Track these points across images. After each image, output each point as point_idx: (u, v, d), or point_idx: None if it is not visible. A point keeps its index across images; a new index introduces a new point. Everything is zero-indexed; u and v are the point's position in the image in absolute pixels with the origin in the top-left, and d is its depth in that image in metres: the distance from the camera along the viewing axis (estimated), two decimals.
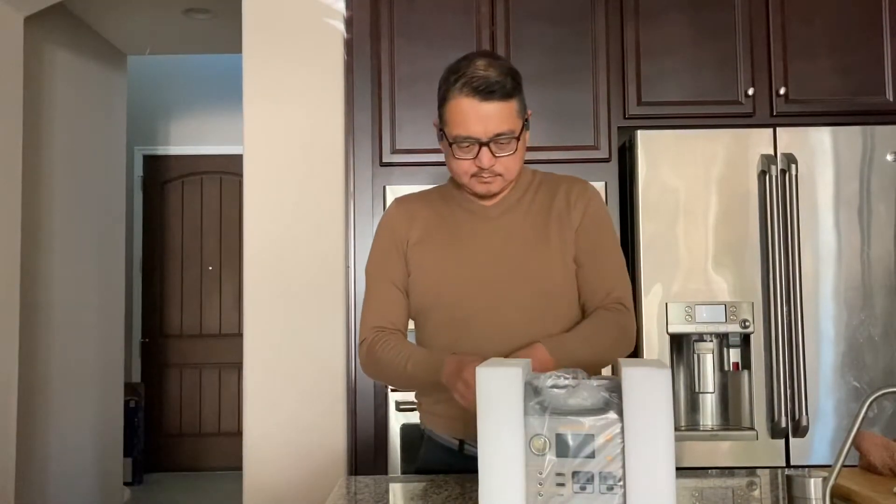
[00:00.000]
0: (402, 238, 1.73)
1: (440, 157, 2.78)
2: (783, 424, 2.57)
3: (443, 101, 1.64)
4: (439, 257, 1.70)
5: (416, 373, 1.63)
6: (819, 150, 2.67)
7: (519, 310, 1.64)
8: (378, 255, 1.76)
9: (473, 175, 1.63)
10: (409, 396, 2.52)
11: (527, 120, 1.66)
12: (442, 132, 1.67)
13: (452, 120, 1.61)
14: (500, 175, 1.64)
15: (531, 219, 1.70)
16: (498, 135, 1.59)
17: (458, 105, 1.59)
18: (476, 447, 1.65)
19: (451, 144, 1.62)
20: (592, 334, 1.64)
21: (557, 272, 1.67)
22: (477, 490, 1.20)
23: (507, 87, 1.60)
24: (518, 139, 1.63)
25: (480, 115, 1.58)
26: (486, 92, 1.57)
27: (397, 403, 2.68)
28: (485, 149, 1.59)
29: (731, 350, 2.62)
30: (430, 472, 1.69)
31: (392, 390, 2.70)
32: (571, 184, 1.74)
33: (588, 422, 1.15)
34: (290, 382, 2.90)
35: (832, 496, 1.25)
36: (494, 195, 1.70)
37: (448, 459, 1.69)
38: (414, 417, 1.91)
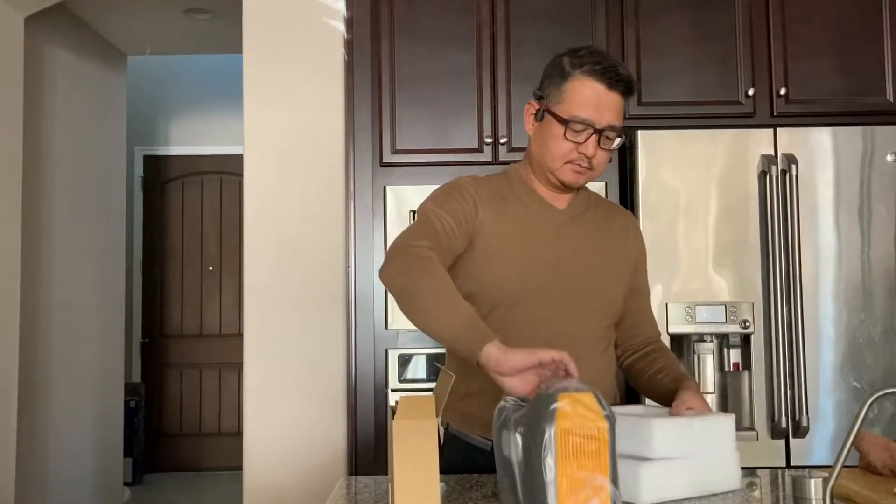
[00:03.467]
0: (475, 207, 1.64)
1: (440, 158, 2.80)
2: (783, 425, 2.57)
3: (562, 78, 1.62)
4: (513, 249, 1.64)
5: (458, 321, 1.41)
6: (819, 151, 2.67)
7: (572, 322, 1.65)
8: (446, 200, 1.63)
9: (569, 161, 1.62)
10: None
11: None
12: (545, 112, 1.63)
13: (573, 99, 1.60)
14: (592, 169, 1.64)
15: (599, 235, 1.74)
16: (611, 126, 1.61)
17: (584, 86, 1.59)
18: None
19: (562, 122, 1.60)
20: (681, 369, 1.77)
21: (614, 293, 1.73)
22: (479, 488, 1.20)
23: (630, 81, 1.63)
24: (621, 136, 1.65)
25: (603, 102, 1.59)
26: (614, 80, 1.59)
27: (397, 403, 2.68)
28: (594, 136, 1.60)
29: (732, 350, 2.62)
30: (453, 472, 1.62)
31: (392, 391, 2.70)
32: (628, 218, 1.84)
33: None
34: (290, 382, 2.90)
35: (832, 496, 1.24)
36: (573, 190, 1.71)
37: (477, 460, 1.64)
38: None
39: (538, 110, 1.66)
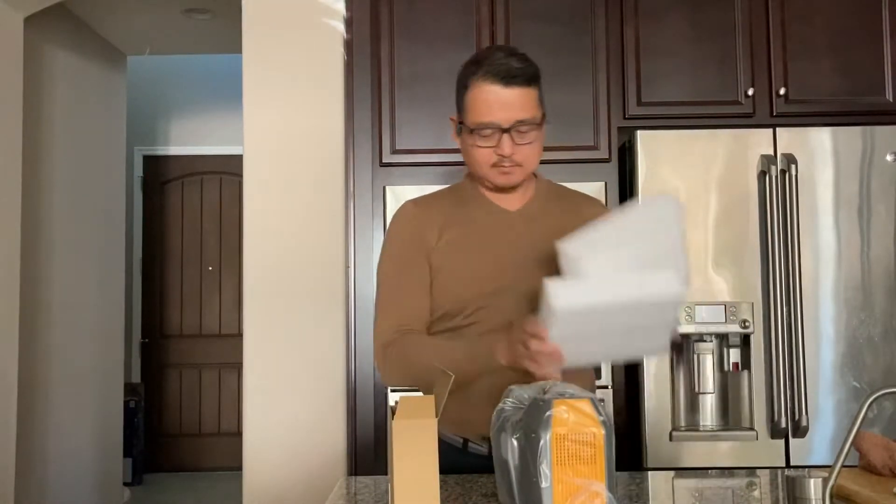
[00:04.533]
0: (425, 238, 1.69)
1: (440, 157, 2.80)
2: (783, 425, 2.57)
3: (463, 90, 1.64)
4: (468, 262, 1.67)
5: (462, 361, 1.54)
6: (819, 151, 2.67)
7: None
8: (399, 255, 1.71)
9: (494, 165, 1.63)
10: None
11: (544, 115, 1.67)
12: (461, 125, 1.67)
13: (474, 107, 1.61)
14: (519, 165, 1.64)
15: (552, 232, 1.68)
16: (519, 122, 1.60)
17: (481, 92, 1.60)
18: (481, 445, 1.66)
19: (472, 132, 1.62)
20: None
21: None
22: (479, 489, 1.20)
23: (528, 72, 1.61)
24: (539, 128, 1.63)
25: (502, 101, 1.59)
26: (508, 77, 1.59)
27: (397, 403, 2.68)
28: (506, 136, 1.60)
29: (731, 350, 2.62)
30: None
31: (392, 390, 2.70)
32: (591, 204, 1.77)
33: None
34: (290, 382, 2.90)
35: (832, 496, 1.24)
36: (514, 188, 1.69)
37: (452, 457, 1.67)
38: None
39: (457, 124, 1.69)
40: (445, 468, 1.65)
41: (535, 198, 1.73)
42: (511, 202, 1.71)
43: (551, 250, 1.65)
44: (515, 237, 1.68)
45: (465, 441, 1.69)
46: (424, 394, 1.54)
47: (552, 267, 1.63)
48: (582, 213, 1.70)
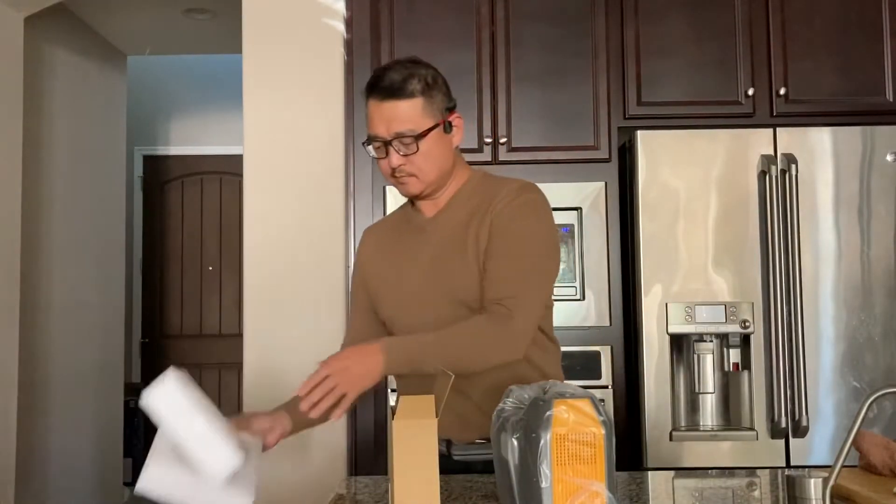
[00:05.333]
0: (363, 265, 1.84)
1: None
2: (783, 424, 2.57)
3: (365, 106, 1.69)
4: (383, 274, 1.77)
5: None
6: (819, 151, 2.67)
7: (439, 322, 1.60)
8: (352, 287, 1.89)
9: (392, 176, 1.67)
10: None
11: (448, 122, 1.66)
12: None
13: (367, 122, 1.67)
14: (414, 175, 1.65)
15: (453, 232, 1.69)
16: (397, 134, 1.62)
17: (369, 107, 1.65)
18: (463, 449, 1.67)
19: (370, 145, 1.67)
20: (446, 337, 1.56)
21: (473, 279, 1.63)
22: (479, 489, 1.20)
23: (407, 87, 1.62)
24: (422, 138, 1.62)
25: (382, 115, 1.63)
26: (385, 91, 1.62)
27: (397, 403, 2.68)
28: (390, 148, 1.63)
29: (731, 350, 2.62)
30: None
31: (392, 391, 2.70)
32: (497, 190, 1.68)
33: None
34: (290, 382, 2.89)
35: (832, 496, 1.24)
36: (427, 196, 1.71)
37: None
38: None
39: None
40: None
41: (450, 202, 1.73)
42: (430, 208, 1.75)
43: (446, 254, 1.68)
44: (421, 242, 1.73)
45: (449, 444, 1.68)
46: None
47: (449, 269, 1.66)
48: (493, 203, 1.66)
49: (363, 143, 1.70)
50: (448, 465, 1.64)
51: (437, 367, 1.39)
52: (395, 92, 1.61)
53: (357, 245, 1.89)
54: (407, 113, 1.62)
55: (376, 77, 1.64)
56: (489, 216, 1.65)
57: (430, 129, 1.63)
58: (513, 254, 1.62)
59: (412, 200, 1.76)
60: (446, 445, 1.68)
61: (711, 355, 2.63)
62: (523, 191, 1.67)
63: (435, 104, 1.65)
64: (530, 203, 1.66)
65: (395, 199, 2.76)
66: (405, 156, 1.62)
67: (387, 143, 1.63)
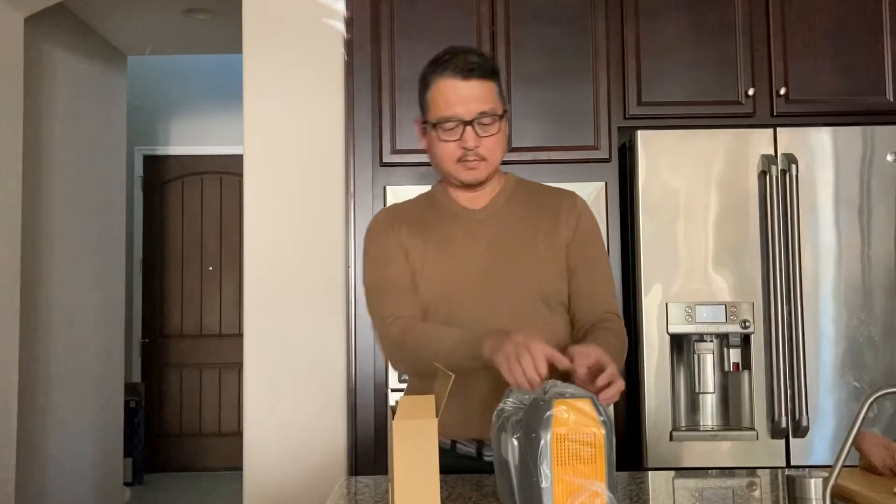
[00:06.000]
0: (399, 242, 1.71)
1: None
2: (783, 424, 2.57)
3: (424, 89, 1.67)
4: (433, 266, 1.69)
5: (454, 347, 1.56)
6: (819, 151, 2.67)
7: (506, 317, 1.62)
8: (382, 261, 1.71)
9: (459, 160, 1.64)
10: None
11: (506, 111, 1.68)
12: (425, 125, 1.69)
13: (435, 103, 1.64)
14: (484, 160, 1.64)
15: (518, 226, 1.70)
16: (481, 113, 1.61)
17: (441, 87, 1.62)
18: (468, 446, 1.67)
19: (434, 127, 1.64)
20: (611, 345, 1.60)
21: (545, 279, 1.67)
22: (479, 489, 1.20)
23: (486, 66, 1.63)
24: (501, 119, 1.64)
25: (463, 94, 1.61)
26: (466, 70, 1.61)
27: (397, 403, 2.68)
28: (469, 128, 1.61)
29: (732, 350, 2.62)
30: None
31: (392, 391, 2.70)
32: (562, 196, 1.76)
33: None
34: (290, 382, 2.90)
35: (832, 496, 1.24)
36: (480, 185, 1.70)
37: (440, 459, 1.68)
38: None
39: (422, 124, 1.71)
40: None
41: (500, 194, 1.74)
42: (476, 201, 1.73)
43: (508, 246, 1.67)
44: (474, 235, 1.70)
45: (454, 442, 1.68)
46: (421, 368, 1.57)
47: (511, 261, 1.65)
48: (549, 201, 1.72)
49: (427, 126, 1.66)
50: (480, 467, 1.64)
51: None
52: (478, 71, 1.60)
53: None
54: (489, 93, 1.63)
55: (451, 55, 1.62)
56: (567, 227, 1.69)
57: (504, 113, 1.65)
58: (604, 264, 1.74)
59: (442, 189, 1.74)
60: (476, 447, 1.67)
61: (711, 355, 2.63)
62: (584, 203, 1.76)
63: (502, 89, 1.68)
64: (593, 214, 1.78)
65: (395, 199, 2.75)
66: (481, 137, 1.61)
67: (466, 124, 1.60)
